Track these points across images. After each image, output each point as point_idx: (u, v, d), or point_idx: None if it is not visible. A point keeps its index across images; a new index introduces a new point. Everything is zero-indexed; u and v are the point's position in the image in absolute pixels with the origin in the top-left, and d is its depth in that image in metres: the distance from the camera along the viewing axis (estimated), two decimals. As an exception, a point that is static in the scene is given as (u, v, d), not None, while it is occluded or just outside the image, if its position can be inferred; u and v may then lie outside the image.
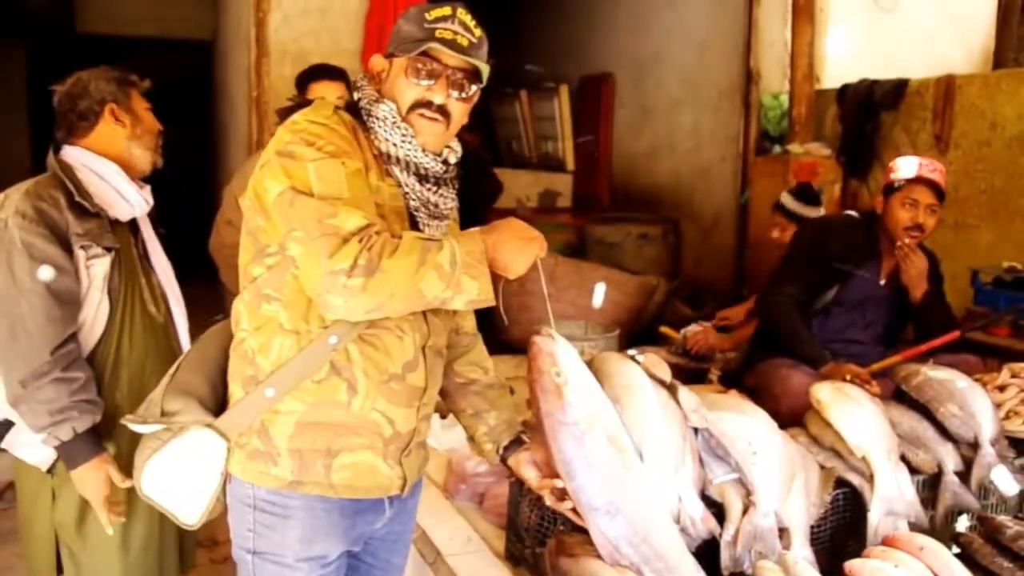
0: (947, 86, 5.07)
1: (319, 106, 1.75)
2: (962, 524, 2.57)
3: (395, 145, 1.75)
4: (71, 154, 2.33)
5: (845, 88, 5.63)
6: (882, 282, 3.53)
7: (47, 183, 2.24)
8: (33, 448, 2.25)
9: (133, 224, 2.40)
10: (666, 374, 2.27)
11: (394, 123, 1.75)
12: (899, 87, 5.35)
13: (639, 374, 2.18)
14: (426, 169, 1.77)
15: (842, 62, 5.92)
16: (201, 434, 1.76)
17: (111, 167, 2.33)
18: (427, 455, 1.99)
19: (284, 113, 1.74)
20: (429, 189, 1.79)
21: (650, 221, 7.24)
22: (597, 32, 8.69)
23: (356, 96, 1.82)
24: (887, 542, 2.20)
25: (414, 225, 1.78)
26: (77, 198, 2.22)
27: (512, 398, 2.12)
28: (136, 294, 2.35)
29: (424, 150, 1.77)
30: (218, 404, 1.81)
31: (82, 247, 2.20)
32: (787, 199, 4.45)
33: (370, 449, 1.77)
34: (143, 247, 2.42)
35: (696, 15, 7.13)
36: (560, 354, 1.84)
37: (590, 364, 2.27)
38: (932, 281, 3.51)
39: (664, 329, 5.31)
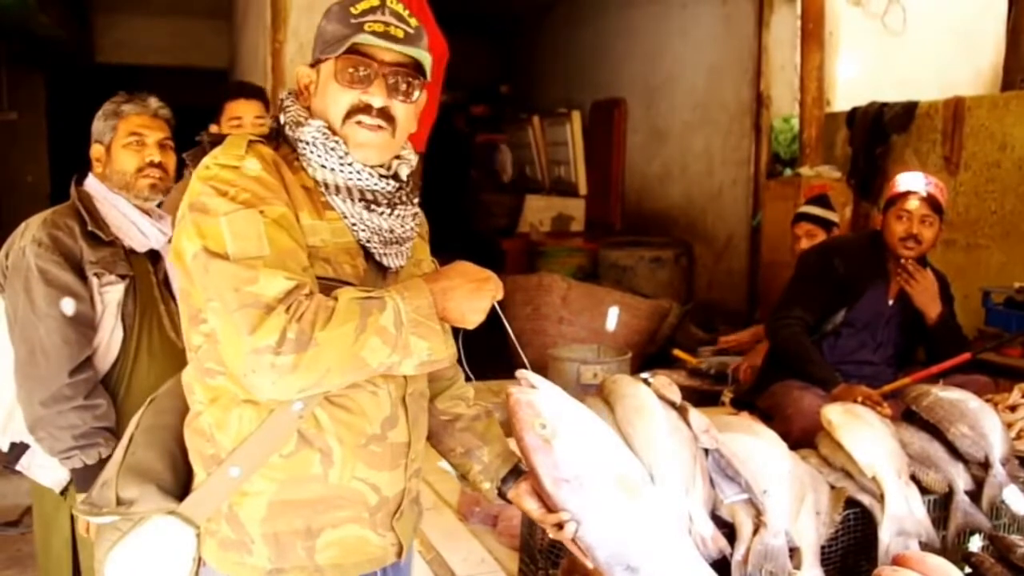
0: (956, 108, 5.08)
1: (231, 143, 1.52)
2: (974, 544, 2.56)
3: (332, 171, 1.52)
4: (92, 185, 2.44)
5: (855, 111, 5.65)
6: (891, 302, 3.55)
7: (64, 212, 2.35)
8: (49, 470, 2.31)
9: (155, 253, 2.46)
10: (676, 395, 2.30)
11: (325, 144, 1.52)
12: (909, 109, 5.35)
13: (649, 396, 2.20)
14: (373, 192, 1.55)
15: (852, 85, 5.95)
16: (164, 522, 1.54)
17: (123, 201, 2.41)
18: (421, 510, 1.80)
19: (195, 156, 1.58)
20: (381, 214, 1.55)
21: (663, 244, 7.30)
22: (609, 58, 8.78)
23: (281, 119, 1.59)
24: (898, 561, 2.20)
25: (369, 256, 1.56)
26: (90, 227, 2.31)
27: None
28: (153, 320, 2.40)
29: (368, 167, 1.54)
30: (179, 480, 1.60)
31: (95, 274, 2.29)
32: (811, 208, 4.51)
33: (356, 522, 1.57)
34: (163, 275, 2.48)
35: (706, 40, 7.19)
36: (541, 402, 1.56)
37: (601, 387, 2.30)
38: (943, 302, 3.53)
39: (678, 352, 5.34)
